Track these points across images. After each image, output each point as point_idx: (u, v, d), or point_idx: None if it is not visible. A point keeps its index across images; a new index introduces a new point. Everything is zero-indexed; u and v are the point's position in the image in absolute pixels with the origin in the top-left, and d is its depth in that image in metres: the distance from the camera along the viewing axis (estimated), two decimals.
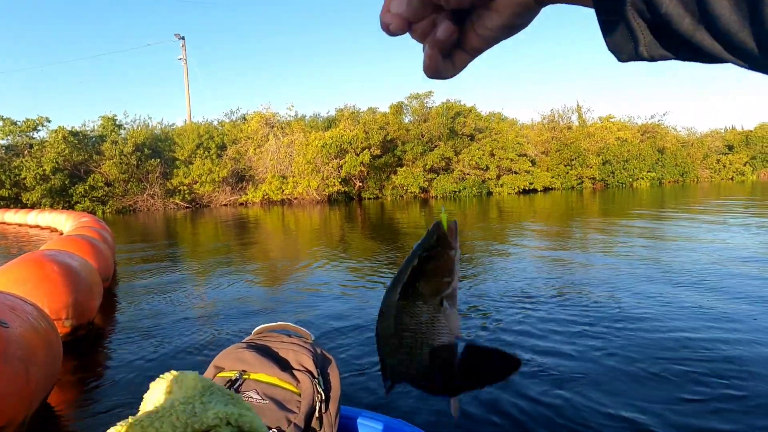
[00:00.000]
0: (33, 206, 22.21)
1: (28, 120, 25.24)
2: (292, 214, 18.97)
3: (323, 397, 1.31)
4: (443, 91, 39.89)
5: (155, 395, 0.61)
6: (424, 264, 0.44)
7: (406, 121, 29.52)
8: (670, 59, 0.31)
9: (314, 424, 1.27)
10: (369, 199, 27.09)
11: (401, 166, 27.92)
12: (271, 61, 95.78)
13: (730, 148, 40.42)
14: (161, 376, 0.64)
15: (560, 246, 8.06)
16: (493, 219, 13.81)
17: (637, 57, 0.31)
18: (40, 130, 25.61)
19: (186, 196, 25.70)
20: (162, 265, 7.43)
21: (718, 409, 2.34)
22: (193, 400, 0.60)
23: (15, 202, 23.65)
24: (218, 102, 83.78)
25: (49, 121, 25.60)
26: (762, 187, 25.96)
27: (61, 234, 10.36)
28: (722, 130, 43.14)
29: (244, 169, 27.02)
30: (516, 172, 28.33)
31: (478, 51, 0.38)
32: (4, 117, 24.95)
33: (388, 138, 27.82)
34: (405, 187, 27.12)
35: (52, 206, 22.59)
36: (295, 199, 25.67)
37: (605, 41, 0.32)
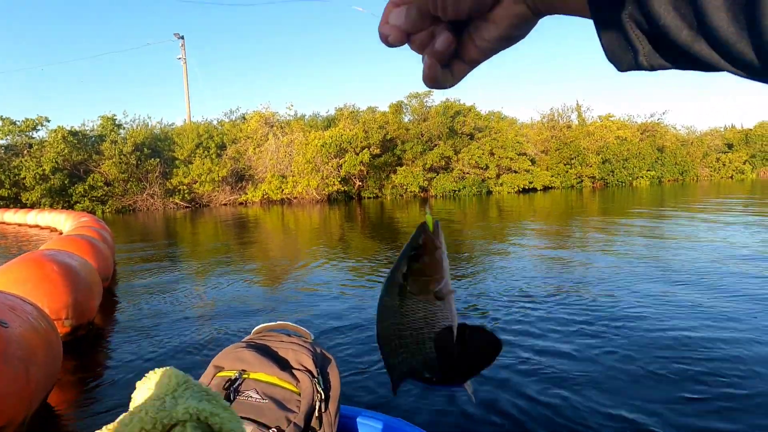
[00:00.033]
0: (32, 206, 22.18)
1: (27, 120, 25.20)
2: (291, 213, 18.97)
3: (323, 397, 1.31)
4: (443, 91, 39.82)
5: (137, 394, 0.61)
6: (412, 264, 0.46)
7: (406, 120, 29.49)
8: (670, 68, 0.31)
9: (314, 423, 1.27)
10: (369, 198, 27.08)
11: (401, 165, 27.92)
12: (271, 61, 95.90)
13: (730, 146, 40.44)
14: (146, 375, 0.63)
15: (560, 245, 8.06)
16: (493, 218, 13.81)
17: (637, 66, 0.31)
18: (39, 129, 25.60)
19: (185, 195, 25.68)
20: (161, 264, 7.43)
21: (718, 408, 2.35)
22: (165, 396, 0.58)
23: (14, 201, 23.63)
24: (218, 102, 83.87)
25: (49, 121, 25.59)
26: (761, 185, 25.97)
27: (61, 234, 10.35)
28: (722, 129, 43.15)
29: (244, 168, 27.00)
30: (516, 171, 28.33)
31: (477, 62, 0.39)
32: (4, 117, 24.91)
33: (388, 137, 27.80)
34: (405, 187, 27.11)
35: (51, 206, 22.57)
36: (295, 198, 25.66)
37: (604, 51, 0.32)
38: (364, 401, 2.51)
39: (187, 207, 25.61)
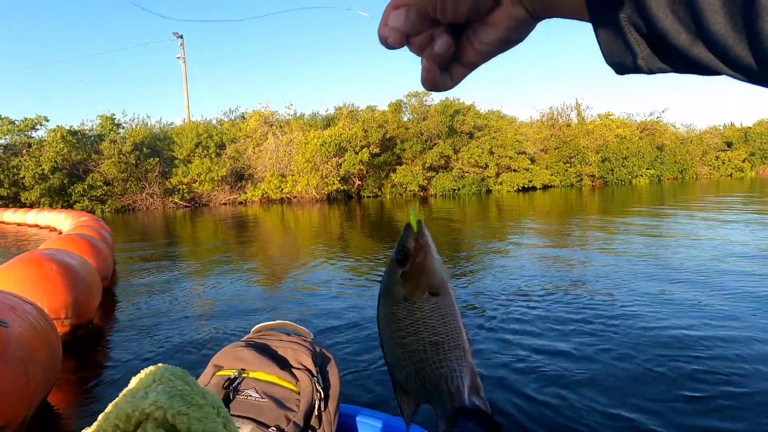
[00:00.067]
0: (32, 205, 22.15)
1: (26, 119, 25.17)
2: (291, 212, 18.96)
3: (322, 396, 1.31)
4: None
5: (125, 390, 0.61)
6: (401, 267, 0.47)
7: (405, 119, 29.44)
8: (669, 72, 0.31)
9: (313, 422, 1.27)
10: (368, 197, 27.07)
11: (400, 164, 27.89)
12: (271, 61, 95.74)
13: (729, 144, 40.43)
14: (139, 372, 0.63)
15: (559, 244, 8.06)
16: (493, 217, 13.81)
17: (636, 70, 0.31)
18: (38, 129, 25.57)
19: (185, 195, 25.66)
20: (161, 264, 7.43)
21: (717, 407, 2.35)
22: (140, 390, 0.57)
23: (14, 201, 23.60)
24: (217, 101, 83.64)
25: (48, 120, 25.55)
26: (761, 183, 25.97)
27: (60, 233, 10.34)
28: (721, 127, 43.12)
29: (243, 167, 26.98)
30: (515, 170, 28.31)
31: (475, 65, 0.39)
32: (2, 116, 24.88)
33: (387, 136, 27.76)
34: (404, 186, 27.10)
35: (50, 205, 22.54)
36: (294, 197, 25.65)
37: (603, 55, 0.32)
38: (364, 400, 2.51)
39: (186, 206, 25.59)
